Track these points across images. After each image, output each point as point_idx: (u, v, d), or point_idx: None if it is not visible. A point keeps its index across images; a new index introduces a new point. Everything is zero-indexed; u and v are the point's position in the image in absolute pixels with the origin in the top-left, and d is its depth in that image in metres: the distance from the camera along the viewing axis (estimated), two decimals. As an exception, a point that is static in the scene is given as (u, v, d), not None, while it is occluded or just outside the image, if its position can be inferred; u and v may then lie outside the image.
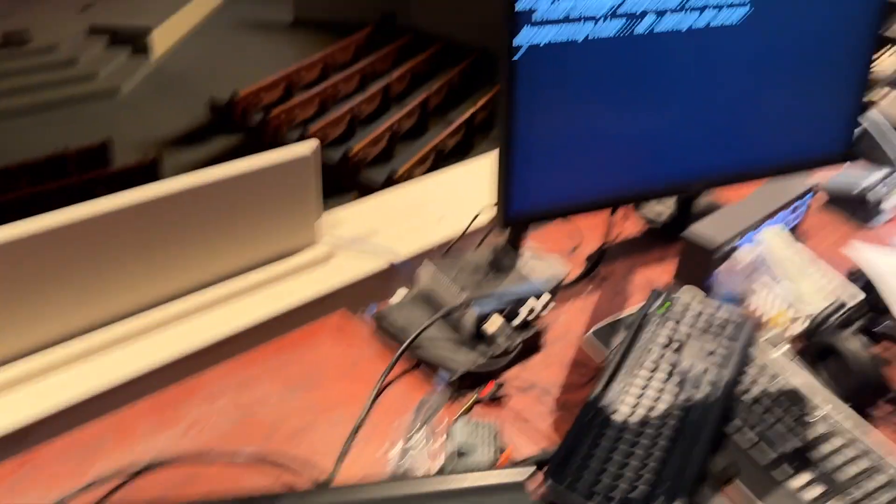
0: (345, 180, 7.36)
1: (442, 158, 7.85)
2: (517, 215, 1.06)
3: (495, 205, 1.07)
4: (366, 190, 7.44)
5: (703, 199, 1.51)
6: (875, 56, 2.04)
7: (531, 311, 1.17)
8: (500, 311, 1.15)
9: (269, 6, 11.51)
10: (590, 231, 1.43)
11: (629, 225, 1.48)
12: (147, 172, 7.03)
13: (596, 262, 1.36)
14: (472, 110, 8.21)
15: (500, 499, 0.61)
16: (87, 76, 8.77)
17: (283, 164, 1.37)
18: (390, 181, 7.10)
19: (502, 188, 0.94)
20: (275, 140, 8.30)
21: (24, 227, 1.09)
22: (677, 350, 1.12)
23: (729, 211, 1.37)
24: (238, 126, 8.56)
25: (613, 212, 1.14)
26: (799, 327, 1.19)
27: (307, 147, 1.37)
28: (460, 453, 0.93)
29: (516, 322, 1.15)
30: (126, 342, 1.23)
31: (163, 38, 9.94)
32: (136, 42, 9.53)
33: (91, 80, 8.75)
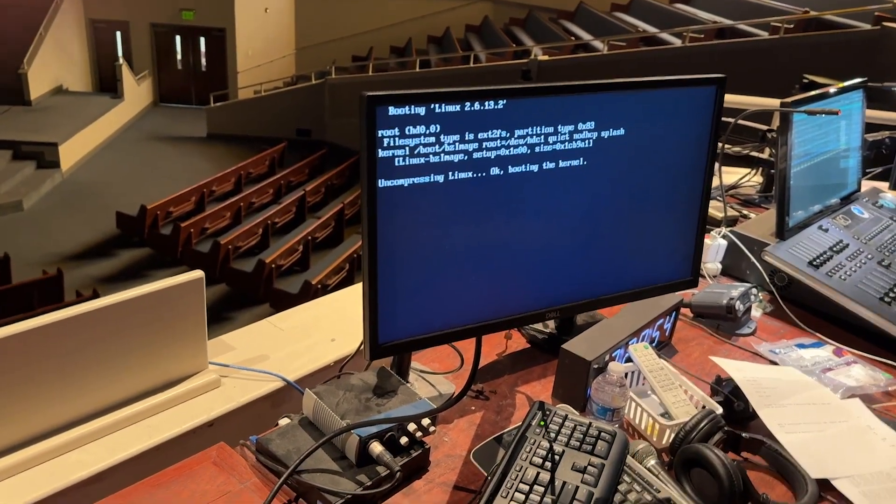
0: (258, 290, 7.30)
1: (356, 268, 7.91)
2: (386, 347, 1.09)
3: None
4: (280, 299, 7.41)
5: (583, 314, 1.60)
6: (743, 177, 2.19)
7: (413, 433, 1.20)
8: (381, 436, 1.16)
9: (184, 121, 11.64)
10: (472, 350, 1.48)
11: (513, 343, 1.54)
12: (49, 287, 6.80)
13: (473, 380, 1.41)
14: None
15: None
16: (-12, 192, 8.57)
17: (172, 289, 1.38)
18: (305, 290, 7.08)
19: (368, 320, 0.99)
20: (185, 251, 8.20)
21: None
22: (552, 468, 1.16)
23: (603, 326, 1.45)
24: (146, 239, 8.44)
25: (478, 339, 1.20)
26: (666, 439, 1.26)
27: (195, 274, 1.39)
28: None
29: (402, 443, 1.17)
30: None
31: (70, 153, 9.85)
32: (41, 157, 9.42)
33: (-8, 196, 8.54)
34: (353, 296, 1.85)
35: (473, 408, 1.38)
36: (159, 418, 1.41)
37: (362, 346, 1.19)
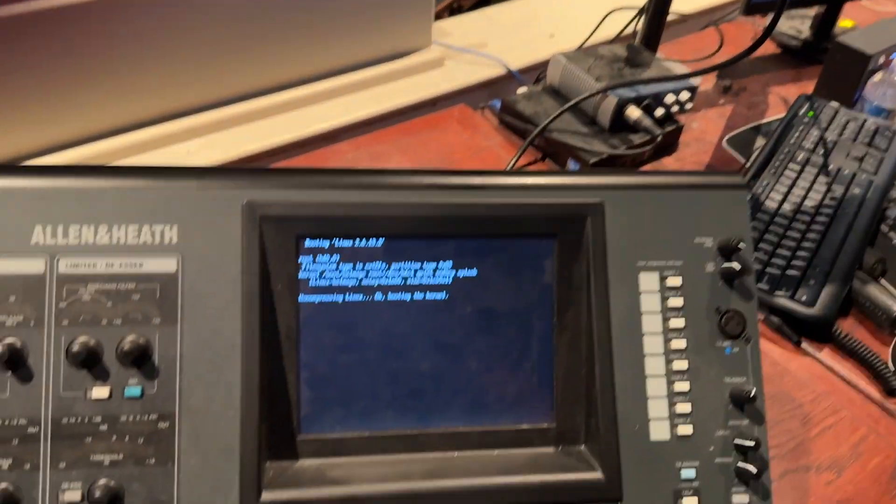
0: None
1: None
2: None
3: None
4: None
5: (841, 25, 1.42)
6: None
7: (671, 105, 1.11)
8: (639, 102, 1.09)
9: None
10: (725, 44, 1.35)
11: (762, 49, 1.39)
12: None
13: (728, 68, 1.29)
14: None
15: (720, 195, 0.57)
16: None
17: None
18: None
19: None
20: None
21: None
22: (825, 154, 1.06)
23: (880, 25, 1.28)
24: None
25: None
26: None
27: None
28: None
29: (657, 115, 1.10)
30: (258, 118, 1.21)
31: None
32: None
33: None
34: None
35: (722, 101, 1.27)
36: (383, 90, 1.38)
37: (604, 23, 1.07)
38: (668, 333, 0.55)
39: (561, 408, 0.56)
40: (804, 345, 0.86)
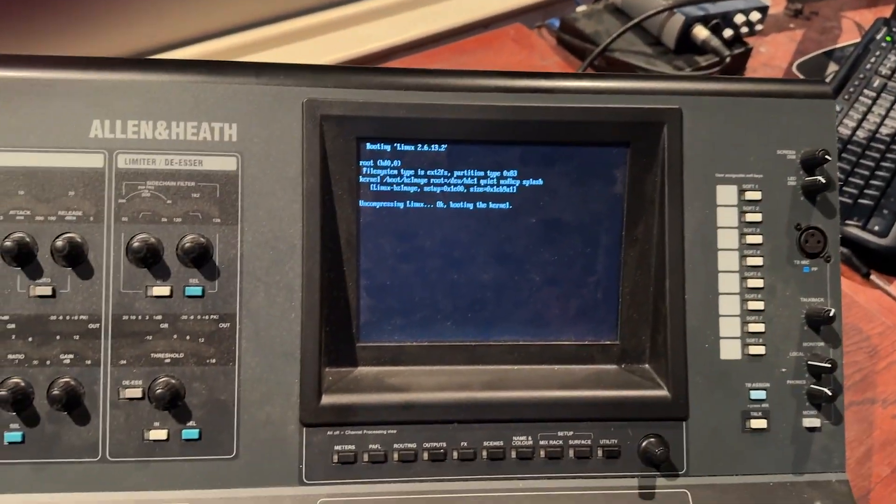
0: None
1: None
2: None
3: None
4: None
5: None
6: None
7: (740, 26, 1.06)
8: (706, 21, 1.03)
9: None
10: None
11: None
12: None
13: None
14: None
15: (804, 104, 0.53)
16: None
17: None
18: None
19: None
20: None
21: None
22: (904, 79, 1.00)
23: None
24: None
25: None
26: None
27: None
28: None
29: (725, 36, 1.04)
30: (308, 37, 1.18)
31: None
32: None
33: None
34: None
35: (792, 25, 1.20)
36: (436, 9, 1.33)
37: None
38: (744, 250, 0.53)
39: (626, 325, 0.54)
40: (873, 277, 0.82)
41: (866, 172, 0.87)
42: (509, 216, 0.53)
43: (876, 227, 0.82)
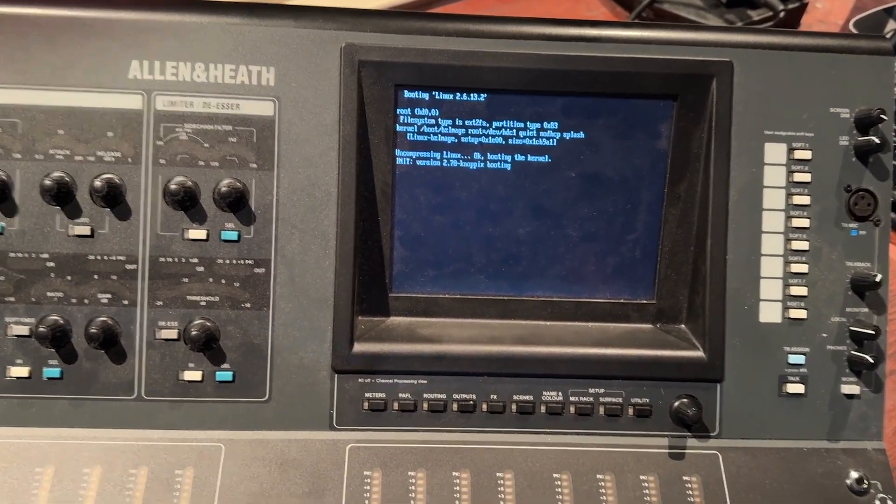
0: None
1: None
2: None
3: None
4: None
5: None
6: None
7: (796, -21, 1.01)
8: (761, -26, 0.99)
9: None
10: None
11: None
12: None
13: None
14: None
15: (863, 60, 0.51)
16: None
17: None
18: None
19: None
20: None
21: None
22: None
23: None
24: None
25: None
26: None
27: None
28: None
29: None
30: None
31: None
32: None
33: None
34: None
35: (852, -22, 1.15)
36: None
37: None
38: (790, 210, 0.51)
39: (663, 284, 0.53)
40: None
41: (922, 135, 0.84)
42: (548, 170, 0.52)
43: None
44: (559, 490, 0.48)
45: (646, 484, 0.49)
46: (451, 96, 0.51)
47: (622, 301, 0.53)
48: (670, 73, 0.50)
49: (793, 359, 0.51)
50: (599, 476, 0.49)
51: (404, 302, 0.52)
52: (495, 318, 0.53)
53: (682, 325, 0.52)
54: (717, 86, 0.50)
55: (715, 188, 0.50)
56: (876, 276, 0.49)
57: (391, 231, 0.52)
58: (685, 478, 0.49)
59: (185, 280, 0.48)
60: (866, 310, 0.51)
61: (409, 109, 0.51)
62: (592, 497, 0.48)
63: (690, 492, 0.48)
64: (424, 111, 0.51)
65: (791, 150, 0.51)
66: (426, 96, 0.51)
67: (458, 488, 0.48)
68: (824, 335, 0.51)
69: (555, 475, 0.49)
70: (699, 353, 0.50)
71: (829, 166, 0.51)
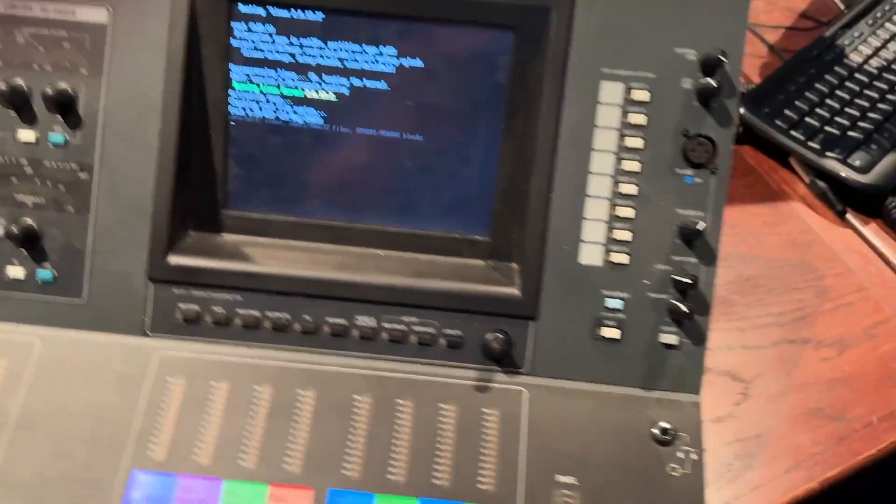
0: None
1: None
2: None
3: None
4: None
5: None
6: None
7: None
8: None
9: None
10: None
11: None
12: None
13: None
14: None
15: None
16: None
17: None
18: None
19: None
20: None
21: None
22: (945, 7, 0.90)
23: None
24: None
25: None
26: None
27: None
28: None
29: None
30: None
31: None
32: None
33: None
34: None
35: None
36: None
37: None
38: (621, 153, 0.49)
39: (498, 221, 0.52)
40: (849, 216, 0.76)
41: (866, 104, 0.80)
42: (386, 97, 0.52)
43: (857, 163, 0.76)
44: (356, 411, 0.48)
45: (443, 412, 0.49)
46: (288, 13, 0.51)
47: (457, 236, 0.53)
48: (507, 2, 0.49)
49: (610, 303, 0.50)
50: (399, 400, 0.49)
51: (238, 221, 0.53)
52: (329, 244, 0.53)
53: (513, 263, 0.52)
54: (555, 18, 0.49)
55: (545, 123, 0.49)
56: (697, 223, 0.48)
57: (225, 149, 0.52)
58: (485, 409, 0.49)
59: (14, 180, 0.50)
60: (694, 260, 0.49)
61: (244, 24, 0.51)
62: (386, 421, 0.48)
63: (486, 423, 0.48)
64: (260, 26, 0.51)
65: (628, 89, 0.49)
66: (262, 11, 0.51)
67: (256, 401, 0.49)
68: (646, 282, 0.49)
69: (355, 396, 0.49)
70: (513, 290, 0.50)
71: (668, 109, 0.49)
